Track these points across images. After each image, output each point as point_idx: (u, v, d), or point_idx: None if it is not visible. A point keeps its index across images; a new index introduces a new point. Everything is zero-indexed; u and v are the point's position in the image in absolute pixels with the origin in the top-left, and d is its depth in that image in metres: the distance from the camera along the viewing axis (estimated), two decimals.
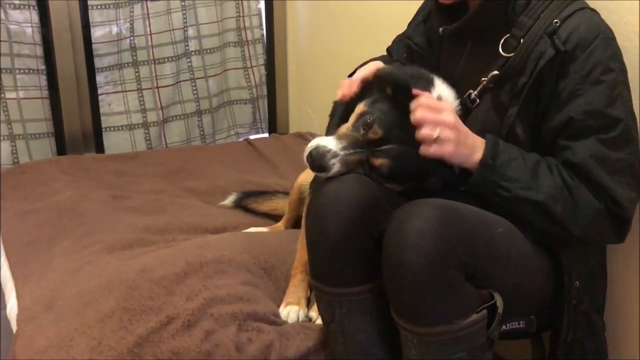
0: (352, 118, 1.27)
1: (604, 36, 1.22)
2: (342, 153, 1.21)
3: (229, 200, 2.05)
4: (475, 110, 1.33)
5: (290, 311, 1.44)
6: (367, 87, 1.31)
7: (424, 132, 1.17)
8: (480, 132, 1.30)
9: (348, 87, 1.32)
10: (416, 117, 1.18)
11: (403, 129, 1.21)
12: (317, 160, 1.20)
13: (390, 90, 1.26)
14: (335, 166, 1.21)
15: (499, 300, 1.17)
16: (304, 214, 1.56)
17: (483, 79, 1.30)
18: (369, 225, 1.19)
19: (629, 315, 1.45)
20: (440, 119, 1.18)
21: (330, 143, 1.22)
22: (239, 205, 2.03)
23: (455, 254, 1.11)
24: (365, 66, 1.41)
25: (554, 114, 1.23)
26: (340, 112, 1.34)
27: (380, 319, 1.22)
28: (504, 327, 1.23)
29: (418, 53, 1.47)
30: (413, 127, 1.19)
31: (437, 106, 1.20)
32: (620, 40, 1.26)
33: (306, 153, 1.22)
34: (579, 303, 1.27)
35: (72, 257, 1.65)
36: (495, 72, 1.28)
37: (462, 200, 1.21)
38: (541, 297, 1.29)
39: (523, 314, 1.26)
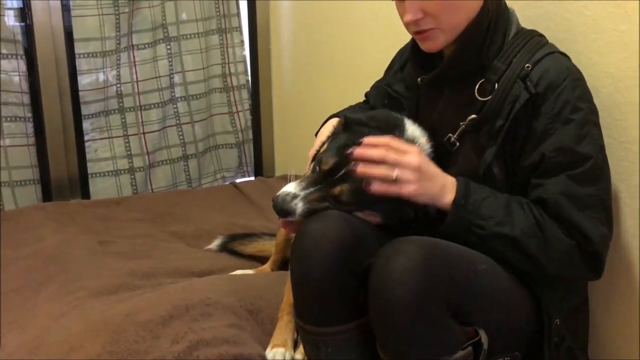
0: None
1: (573, 77, 1.27)
2: (302, 193, 1.24)
3: (215, 244, 2.05)
4: (456, 153, 1.37)
5: (277, 353, 1.43)
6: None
7: (381, 170, 1.20)
8: (460, 173, 1.33)
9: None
10: (376, 156, 1.20)
11: None
12: (279, 205, 1.24)
13: (343, 121, 1.33)
14: (299, 207, 1.24)
15: (483, 337, 1.18)
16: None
17: (461, 122, 1.34)
18: (352, 263, 1.21)
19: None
20: (402, 159, 1.21)
21: (291, 187, 1.26)
22: (224, 248, 2.04)
23: (440, 291, 1.13)
24: (316, 141, 1.47)
25: (528, 153, 1.27)
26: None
27: (367, 355, 1.23)
28: None
29: (397, 100, 1.52)
30: None
31: (400, 147, 1.22)
32: (590, 81, 1.31)
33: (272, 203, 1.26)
34: (560, 340, 1.29)
35: (58, 303, 1.64)
36: (474, 115, 1.32)
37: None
38: (525, 333, 1.30)
39: (507, 350, 1.27)
